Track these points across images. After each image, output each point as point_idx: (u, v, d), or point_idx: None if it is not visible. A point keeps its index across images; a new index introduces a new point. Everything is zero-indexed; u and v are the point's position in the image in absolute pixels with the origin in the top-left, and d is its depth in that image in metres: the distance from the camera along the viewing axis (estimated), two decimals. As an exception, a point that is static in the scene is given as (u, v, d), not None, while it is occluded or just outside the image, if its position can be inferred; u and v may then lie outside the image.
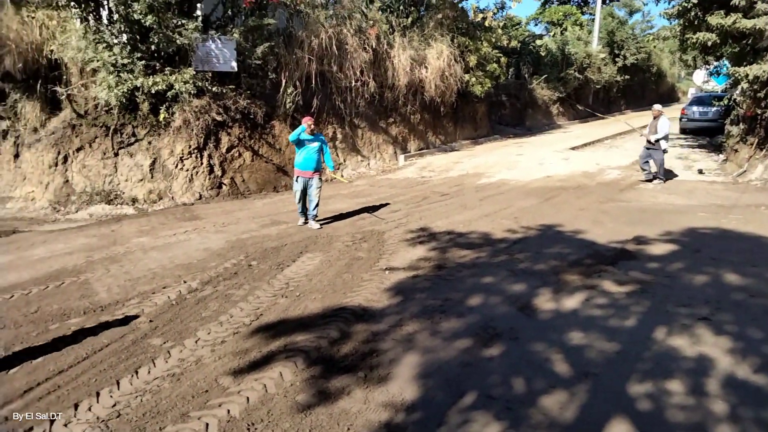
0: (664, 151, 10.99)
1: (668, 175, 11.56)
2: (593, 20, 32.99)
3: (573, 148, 16.83)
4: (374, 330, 4.58)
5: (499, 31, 19.09)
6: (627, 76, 32.81)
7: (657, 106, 11.26)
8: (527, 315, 4.77)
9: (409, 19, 16.93)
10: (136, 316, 5.03)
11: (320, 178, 8.41)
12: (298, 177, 8.27)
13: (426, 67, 16.26)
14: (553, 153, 16.08)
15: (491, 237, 7.35)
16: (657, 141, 10.81)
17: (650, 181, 11.12)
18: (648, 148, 11.10)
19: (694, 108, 19.61)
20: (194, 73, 10.95)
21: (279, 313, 5.05)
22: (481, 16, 17.94)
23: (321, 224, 8.50)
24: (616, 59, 32.29)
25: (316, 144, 8.28)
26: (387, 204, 10.02)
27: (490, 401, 3.44)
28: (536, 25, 38.41)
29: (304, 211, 8.51)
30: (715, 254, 6.26)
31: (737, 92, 12.02)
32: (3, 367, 4.11)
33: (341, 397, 3.57)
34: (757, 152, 11.21)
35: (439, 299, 5.18)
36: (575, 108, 29.69)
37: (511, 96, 24.77)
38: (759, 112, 10.93)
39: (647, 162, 11.21)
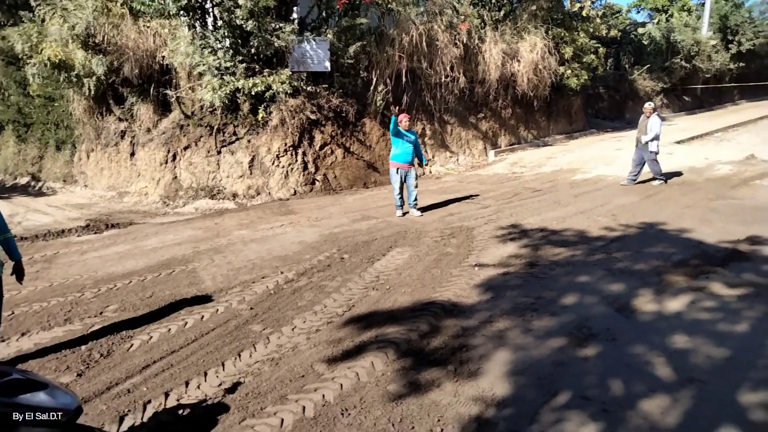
0: (655, 153, 10.08)
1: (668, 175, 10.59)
2: (703, 5, 30.62)
3: (678, 142, 15.74)
4: (464, 325, 4.57)
5: (598, 20, 18.26)
6: (742, 64, 30.16)
7: (649, 104, 10.26)
8: (626, 316, 4.56)
9: (502, 12, 16.62)
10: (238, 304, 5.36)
11: (415, 169, 9.01)
12: (398, 169, 8.84)
13: (518, 61, 15.88)
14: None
15: (587, 235, 7.08)
16: (647, 142, 9.97)
17: (644, 182, 10.24)
18: (639, 148, 10.27)
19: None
20: (290, 73, 11.42)
21: (370, 305, 5.17)
22: (578, 5, 17.27)
23: (422, 212, 9.00)
24: (729, 45, 29.78)
25: (413, 137, 8.84)
26: (476, 196, 9.93)
27: (584, 402, 3.33)
28: (638, 12, 36.34)
29: (402, 202, 9.08)
30: None
31: None
32: (125, 345, 4.54)
33: (431, 389, 3.61)
34: None
35: (531, 297, 5.08)
36: (681, 99, 27.79)
37: (610, 88, 23.60)
38: None
39: (640, 164, 10.32)
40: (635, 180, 10.48)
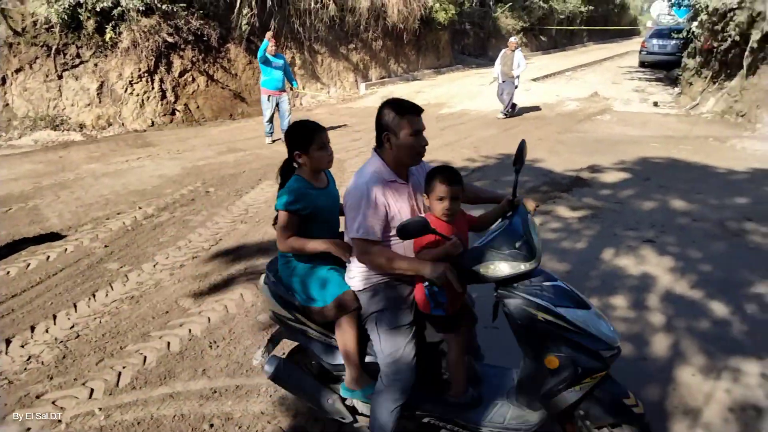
0: (516, 87, 10.77)
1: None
2: (561, -54, 32.15)
3: (534, 80, 16.80)
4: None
5: (465, -46, 18.46)
6: (591, 7, 32.53)
7: (513, 39, 10.93)
8: (484, 239, 4.89)
9: (372, -62, 16.10)
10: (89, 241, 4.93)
11: (288, 95, 9.01)
12: (269, 96, 8.68)
13: (388, -9, 15.67)
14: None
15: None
16: (517, 76, 10.56)
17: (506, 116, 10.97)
18: (504, 82, 10.72)
19: (654, 41, 19.71)
20: (141, -12, 10.25)
21: (238, 238, 5.03)
22: (446, -63, 17.24)
23: None
24: (580, -11, 31.85)
25: (281, 62, 8.71)
26: (347, 126, 9.91)
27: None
28: (502, -50, 37.19)
29: (273, 130, 8.99)
30: (664, 182, 6.49)
31: (695, 24, 12.09)
32: (-49, 292, 4.00)
33: (302, 317, 3.64)
34: (710, 85, 11.45)
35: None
36: (539, 39, 29.44)
37: (475, 25, 24.30)
38: (715, 45, 11.06)
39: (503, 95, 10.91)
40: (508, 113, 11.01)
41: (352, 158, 7.90)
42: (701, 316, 3.49)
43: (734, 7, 9.40)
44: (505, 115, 10.90)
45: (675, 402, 2.73)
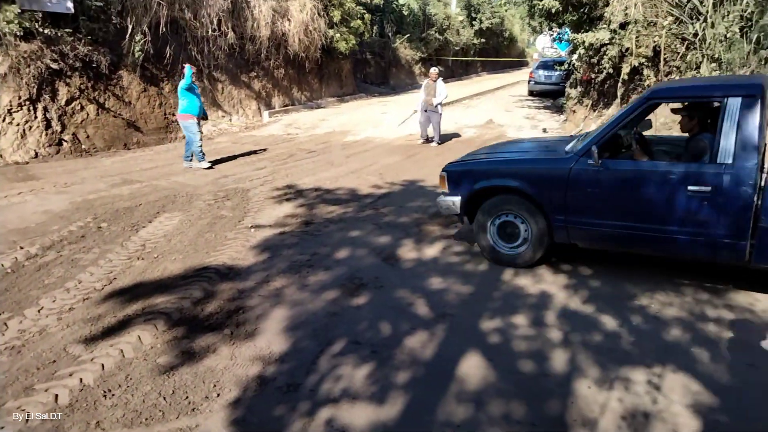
0: (440, 114, 11.26)
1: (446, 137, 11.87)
2: (452, -18, 34.04)
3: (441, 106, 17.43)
4: (240, 288, 4.49)
5: (362, -14, 19.01)
6: (483, 40, 34.55)
7: (434, 70, 11.48)
8: (391, 265, 4.97)
9: (270, -32, 16.17)
10: (-39, 288, 4.43)
11: None
12: (198, 122, 8.94)
13: (289, 20, 15.77)
14: (414, 112, 16.56)
15: (357, 193, 7.47)
16: (437, 105, 11.03)
17: (428, 142, 11.43)
18: (426, 111, 11.14)
19: (540, 72, 21.24)
20: (20, 11, 9.56)
21: (135, 276, 4.74)
22: (343, -31, 17.69)
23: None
24: (473, 22, 33.78)
25: (198, 91, 9.15)
26: (251, 155, 9.73)
27: (357, 346, 3.56)
28: (398, -17, 38.71)
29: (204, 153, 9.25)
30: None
31: (575, 57, 13.19)
32: None
33: (206, 356, 3.48)
34: (590, 112, 12.49)
35: (307, 254, 5.20)
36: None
37: (376, 54, 24.95)
38: (593, 76, 12.11)
39: (427, 126, 11.36)
40: (427, 136, 11.39)
41: (257, 187, 7.76)
42: (594, 330, 3.74)
43: (606, 42, 10.36)
44: (438, 143, 11.25)
45: (574, 415, 2.89)
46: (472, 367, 3.32)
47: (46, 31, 10.04)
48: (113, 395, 3.09)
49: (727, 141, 3.81)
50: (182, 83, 8.85)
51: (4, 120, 9.69)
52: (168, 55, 12.61)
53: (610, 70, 10.54)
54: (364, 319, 3.94)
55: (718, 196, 3.80)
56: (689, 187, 3.88)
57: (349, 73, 21.63)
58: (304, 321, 3.93)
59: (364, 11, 19.81)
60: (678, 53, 9.07)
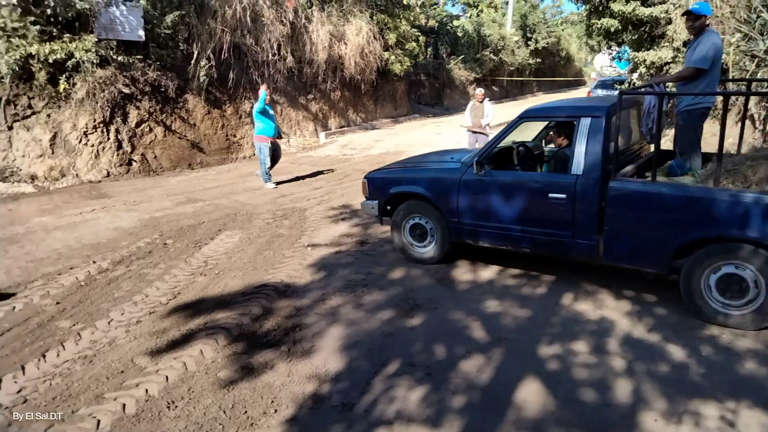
0: (487, 136, 10.69)
1: None
2: (507, 3, 33.98)
3: (489, 127, 17.35)
4: (297, 305, 4.57)
5: (417, 9, 19.29)
6: (539, 59, 34.19)
7: (479, 90, 10.92)
8: (446, 286, 4.94)
9: (328, -6, 16.66)
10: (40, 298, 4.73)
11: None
12: (270, 143, 9.09)
13: (345, 44, 16.11)
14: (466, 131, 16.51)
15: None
16: (486, 126, 10.56)
17: None
18: (475, 133, 10.60)
19: (599, 91, 20.77)
20: (97, 41, 10.22)
21: (198, 291, 4.92)
22: (399, -7, 17.99)
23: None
24: (529, 42, 33.53)
25: (272, 112, 9.29)
26: (308, 177, 9.95)
27: (411, 368, 3.56)
28: (453, 5, 38.96)
29: (270, 175, 9.52)
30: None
31: (636, 76, 12.87)
32: None
33: (264, 372, 3.56)
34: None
35: (362, 273, 5.25)
36: (491, 89, 30.57)
37: (430, 76, 25.12)
38: (655, 95, 11.78)
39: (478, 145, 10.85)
40: None
41: (313, 207, 7.91)
42: (660, 360, 3.59)
43: (669, 61, 10.07)
44: None
45: (638, 445, 2.77)
46: (531, 394, 3.24)
47: (119, 58, 10.68)
48: (176, 407, 3.19)
49: (579, 155, 4.40)
50: (256, 106, 9.10)
51: (80, 141, 10.33)
52: (230, 79, 13.14)
53: (673, 89, 10.22)
54: (419, 341, 3.93)
55: (572, 202, 4.40)
56: (549, 195, 4.50)
57: (404, 94, 21.85)
58: (359, 340, 3.95)
59: (419, 33, 20.04)
60: (747, 70, 8.69)
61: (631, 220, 4.21)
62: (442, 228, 5.23)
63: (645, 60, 10.59)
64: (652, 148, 4.57)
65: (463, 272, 5.26)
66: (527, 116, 4.98)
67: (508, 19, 32.39)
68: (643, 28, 11.69)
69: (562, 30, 37.79)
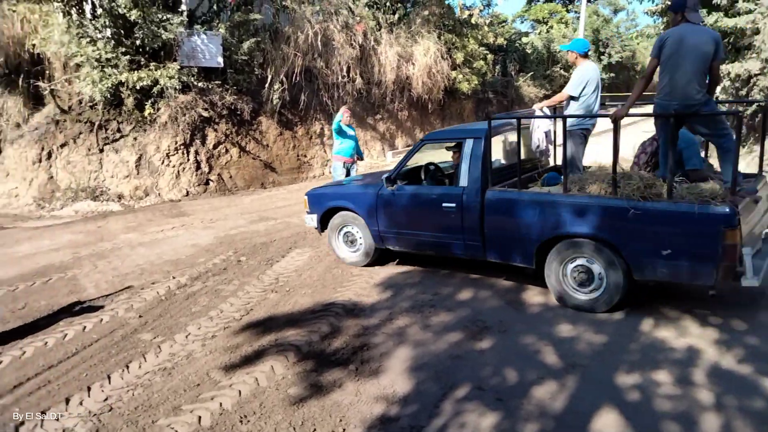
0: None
1: None
2: (578, 18, 33.25)
3: (560, 145, 16.95)
4: (365, 324, 4.60)
5: (486, 28, 19.21)
6: (612, 74, 33.15)
7: (537, 107, 10.94)
8: (516, 308, 4.82)
9: (396, 16, 16.94)
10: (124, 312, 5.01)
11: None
12: (344, 162, 8.91)
13: (413, 64, 16.28)
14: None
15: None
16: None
17: None
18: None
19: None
20: (179, 68, 10.87)
21: (269, 308, 5.05)
22: (467, 12, 18.04)
23: None
24: (601, 57, 32.63)
25: (353, 131, 9.07)
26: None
27: (481, 392, 3.48)
28: (522, 22, 38.65)
29: None
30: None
31: (719, 90, 12.20)
32: (-10, 364, 4.07)
33: (333, 390, 3.59)
34: (740, 148, 11.40)
35: (429, 294, 5.22)
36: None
37: (498, 93, 24.86)
38: (741, 109, 11.11)
39: None
40: None
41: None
42: (753, 394, 3.32)
43: (757, 73, 9.49)
44: None
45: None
46: (608, 426, 3.08)
47: (199, 84, 11.31)
48: (248, 421, 3.27)
49: (464, 170, 5.13)
50: (333, 125, 9.06)
51: (162, 162, 10.97)
52: (302, 101, 13.58)
53: (762, 102, 9.59)
54: (489, 365, 3.84)
55: (459, 210, 5.12)
56: (443, 204, 5.22)
57: (471, 112, 21.74)
58: (427, 362, 3.92)
59: (487, 51, 19.94)
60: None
61: (502, 223, 4.96)
62: (366, 236, 5.93)
63: (729, 73, 10.03)
64: (552, 162, 5.99)
65: (533, 294, 5.12)
66: (428, 139, 5.87)
67: (579, 34, 31.59)
68: (726, 39, 11.10)
69: (638, 43, 36.49)
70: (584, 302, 4.61)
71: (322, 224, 6.32)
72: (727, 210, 3.86)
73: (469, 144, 5.14)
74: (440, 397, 3.46)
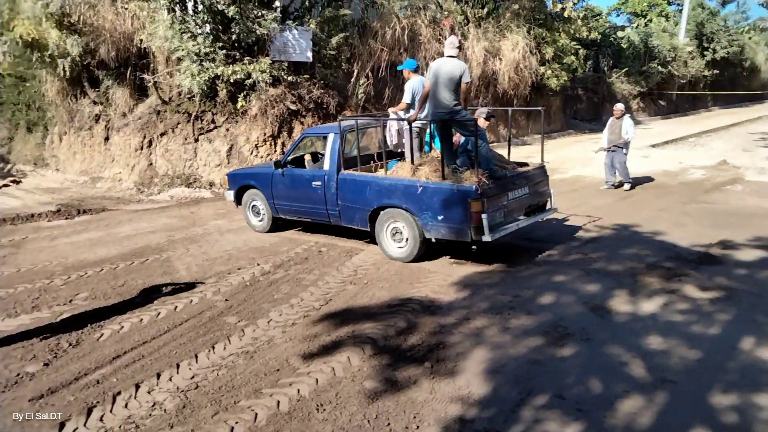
0: (626, 155, 10.05)
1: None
2: (680, 11, 31.19)
3: (653, 146, 16.02)
4: (441, 322, 4.56)
5: (579, 22, 18.40)
6: (716, 71, 30.82)
7: (619, 106, 10.24)
8: (601, 316, 4.60)
9: (485, 10, 16.64)
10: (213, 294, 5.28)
11: None
12: None
13: (500, 59, 15.95)
14: (631, 150, 15.34)
15: (563, 234, 7.14)
16: (623, 144, 9.91)
17: (618, 187, 10.21)
18: (610, 151, 10.07)
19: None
20: (271, 62, 11.25)
21: (347, 299, 5.13)
22: (560, 6, 17.38)
23: None
24: (705, 53, 30.41)
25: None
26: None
27: (561, 401, 3.35)
28: (618, 16, 36.74)
29: None
30: (813, 264, 5.79)
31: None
32: (95, 335, 4.42)
33: (408, 386, 3.59)
34: None
35: (509, 295, 5.09)
36: (657, 104, 28.24)
37: (588, 90, 23.89)
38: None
39: (614, 167, 10.15)
40: (614, 182, 10.47)
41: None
42: None
43: None
44: (631, 185, 10.26)
45: None
46: (700, 449, 2.88)
47: (289, 78, 11.65)
48: (324, 410, 3.34)
49: (327, 157, 6.67)
50: None
51: (251, 153, 11.43)
52: (386, 95, 13.67)
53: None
54: (570, 373, 3.69)
55: (323, 187, 6.65)
56: (313, 183, 6.76)
57: (558, 109, 21.02)
58: (505, 365, 3.82)
59: (579, 47, 19.14)
60: None
61: (349, 197, 6.44)
62: (266, 208, 7.45)
63: None
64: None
65: (620, 302, 4.87)
66: (307, 134, 7.78)
67: (681, 28, 29.66)
68: None
69: (748, 38, 33.68)
70: (399, 255, 6.17)
71: (237, 199, 7.82)
72: (473, 188, 5.45)
73: (330, 138, 6.62)
74: (518, 402, 3.37)
